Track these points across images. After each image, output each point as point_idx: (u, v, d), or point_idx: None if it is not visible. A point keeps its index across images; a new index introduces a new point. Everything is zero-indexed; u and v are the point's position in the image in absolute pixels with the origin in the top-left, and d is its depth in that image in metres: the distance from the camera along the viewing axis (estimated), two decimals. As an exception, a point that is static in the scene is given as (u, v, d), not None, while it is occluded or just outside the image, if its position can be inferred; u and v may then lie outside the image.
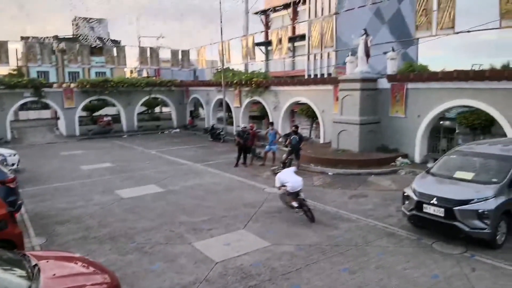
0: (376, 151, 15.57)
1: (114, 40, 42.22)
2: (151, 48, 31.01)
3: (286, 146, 14.16)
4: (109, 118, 28.90)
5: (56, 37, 39.32)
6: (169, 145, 22.29)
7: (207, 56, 30.63)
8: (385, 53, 16.02)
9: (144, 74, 46.34)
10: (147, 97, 30.22)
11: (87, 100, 27.78)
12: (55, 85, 27.07)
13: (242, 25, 28.55)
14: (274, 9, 37.69)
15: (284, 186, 9.08)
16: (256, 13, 39.84)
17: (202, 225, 8.88)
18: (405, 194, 8.06)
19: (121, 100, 28.77)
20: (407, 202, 7.94)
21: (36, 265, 3.99)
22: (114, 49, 29.79)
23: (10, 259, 4.17)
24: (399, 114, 15.21)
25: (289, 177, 9.17)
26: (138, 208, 10.29)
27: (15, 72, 44.94)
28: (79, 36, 39.96)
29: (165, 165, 15.93)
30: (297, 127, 14.37)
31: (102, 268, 4.58)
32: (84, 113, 29.96)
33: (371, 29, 25.28)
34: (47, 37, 31.08)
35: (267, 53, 39.19)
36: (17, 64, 42.34)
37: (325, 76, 29.27)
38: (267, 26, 39.66)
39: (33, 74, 41.70)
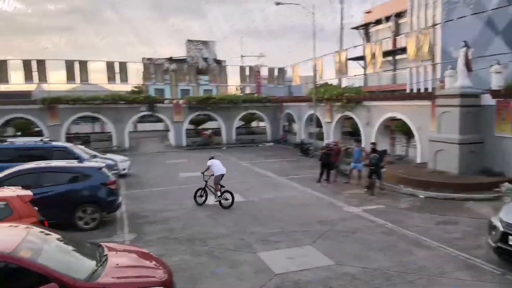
0: (477, 174, 13.89)
1: (218, 60, 45.83)
2: (250, 66, 32.88)
3: (368, 166, 13.61)
4: (210, 131, 31.37)
5: (169, 59, 44.45)
6: (260, 158, 23.23)
7: (301, 72, 31.22)
8: (491, 66, 14.32)
9: (247, 91, 49.29)
10: (244, 113, 32.01)
11: (193, 115, 30.66)
12: (166, 101, 30.63)
13: (340, 41, 28.41)
14: (376, 23, 36.55)
15: None
16: (355, 28, 39.12)
17: (271, 236, 9.17)
18: (491, 223, 7.15)
19: (221, 115, 31.04)
20: (493, 232, 7.03)
21: (106, 255, 4.81)
22: (216, 69, 32.39)
23: (89, 247, 5.10)
24: (506, 134, 13.36)
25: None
26: (217, 214, 11.10)
27: (136, 89, 52.22)
28: (188, 58, 44.47)
29: (252, 177, 16.72)
30: (375, 144, 13.75)
31: (162, 264, 5.22)
32: (190, 126, 33.09)
33: (483, 40, 22.79)
34: (160, 59, 35.42)
35: (365, 68, 38.03)
36: (139, 82, 48.72)
37: (429, 90, 27.17)
38: (367, 40, 38.62)
39: (151, 91, 47.73)
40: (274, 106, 32.65)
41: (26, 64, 26.31)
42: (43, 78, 27.00)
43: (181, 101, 31.31)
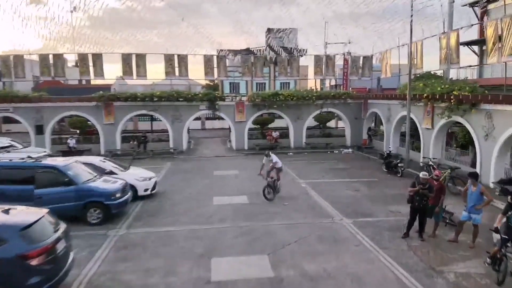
0: None
1: (299, 49, 40.73)
2: (327, 56, 27.42)
3: (496, 229, 7.71)
4: (277, 134, 26.91)
5: (247, 49, 40.75)
6: (329, 174, 18.10)
7: (392, 61, 24.78)
8: None
9: (327, 84, 43.43)
10: (318, 111, 26.85)
11: (257, 114, 26.56)
12: (227, 99, 27.05)
13: (443, 21, 21.35)
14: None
15: None
16: (470, 4, 30.60)
17: None
18: None
19: (290, 114, 26.41)
20: None
21: None
22: (291, 60, 27.59)
23: None
24: None
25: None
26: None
27: (211, 84, 50.00)
28: (266, 48, 40.26)
29: (301, 215, 11.75)
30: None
31: None
32: (254, 127, 29.04)
33: None
34: (231, 50, 31.81)
35: (481, 55, 29.52)
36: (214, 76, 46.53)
37: None
38: (482, 20, 29.93)
39: (226, 87, 44.99)
40: (356, 104, 26.82)
41: (124, 57, 25.15)
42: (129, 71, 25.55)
43: (244, 98, 27.45)
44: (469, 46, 25.32)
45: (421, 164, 17.98)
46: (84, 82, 41.34)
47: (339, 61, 29.11)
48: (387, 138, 23.27)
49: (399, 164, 17.56)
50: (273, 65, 40.23)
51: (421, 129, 19.60)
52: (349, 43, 41.75)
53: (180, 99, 25.25)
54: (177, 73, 25.73)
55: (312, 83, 42.35)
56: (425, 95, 18.33)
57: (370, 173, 18.23)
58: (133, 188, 12.85)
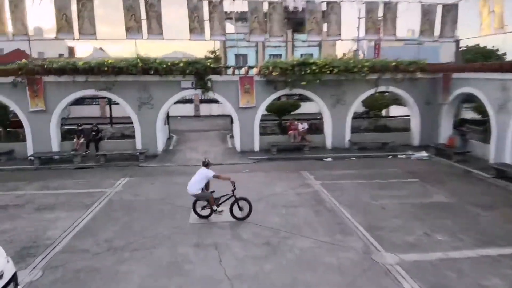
0: None
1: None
2: (386, 3, 17.27)
3: None
4: (305, 126, 17.19)
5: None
6: (431, 222, 8.52)
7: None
8: None
9: (361, 54, 32.98)
10: (370, 91, 17.02)
11: (274, 95, 16.85)
12: (227, 72, 17.37)
13: None
14: None
15: None
16: None
17: None
18: None
19: (326, 96, 16.70)
20: None
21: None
22: (320, 12, 17.50)
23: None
24: None
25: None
26: None
27: (213, 54, 39.70)
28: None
29: None
30: None
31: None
32: (268, 114, 19.26)
33: None
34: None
35: None
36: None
37: None
38: None
39: (231, 58, 35.02)
40: (430, 81, 16.92)
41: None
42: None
43: (254, 70, 17.71)
44: None
45: None
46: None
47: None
48: (499, 138, 13.40)
49: None
50: (290, 26, 30.28)
51: None
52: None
53: (150, 72, 15.64)
54: (144, 29, 15.99)
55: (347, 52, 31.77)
56: None
57: (477, 202, 9.01)
58: None
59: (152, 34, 16.17)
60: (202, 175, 8.58)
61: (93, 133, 16.68)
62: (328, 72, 15.83)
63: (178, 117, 24.91)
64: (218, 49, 37.31)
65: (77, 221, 8.97)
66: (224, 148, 17.71)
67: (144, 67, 15.46)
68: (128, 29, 15.96)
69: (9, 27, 15.32)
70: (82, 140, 16.32)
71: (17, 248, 7.49)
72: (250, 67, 18.76)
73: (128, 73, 15.45)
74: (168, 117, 19.15)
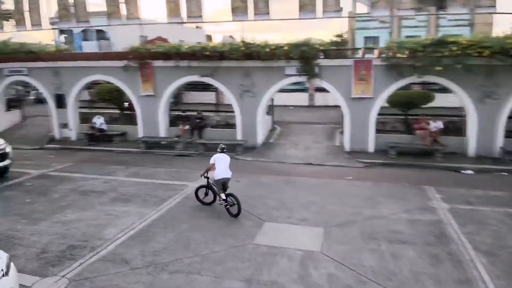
0: None
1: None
2: None
3: None
4: (439, 125, 13.41)
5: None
6: None
7: None
8: None
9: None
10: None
11: (397, 85, 13.59)
12: (339, 57, 14.75)
13: None
14: None
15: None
16: None
17: None
18: None
19: (470, 86, 12.66)
20: None
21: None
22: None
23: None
24: None
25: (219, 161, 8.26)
26: None
27: (339, 39, 36.43)
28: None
29: None
30: None
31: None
32: (388, 107, 15.86)
33: None
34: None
35: None
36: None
37: None
38: None
39: (359, 41, 31.42)
40: None
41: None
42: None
43: (375, 52, 14.60)
44: None
45: None
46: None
47: None
48: None
49: None
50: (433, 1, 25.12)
51: None
52: None
53: (253, 57, 14.23)
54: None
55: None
56: None
57: None
58: None
59: (258, 14, 14.66)
60: (228, 159, 8.63)
61: (197, 120, 16.32)
62: (476, 54, 11.77)
63: (291, 107, 23.21)
64: (346, 32, 34.20)
65: (140, 220, 8.16)
66: (330, 146, 15.26)
67: (245, 52, 14.13)
68: (234, 10, 14.82)
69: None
70: (187, 127, 16.12)
71: (64, 247, 6.93)
72: (368, 49, 15.62)
73: (230, 58, 14.38)
74: (272, 107, 17.61)
